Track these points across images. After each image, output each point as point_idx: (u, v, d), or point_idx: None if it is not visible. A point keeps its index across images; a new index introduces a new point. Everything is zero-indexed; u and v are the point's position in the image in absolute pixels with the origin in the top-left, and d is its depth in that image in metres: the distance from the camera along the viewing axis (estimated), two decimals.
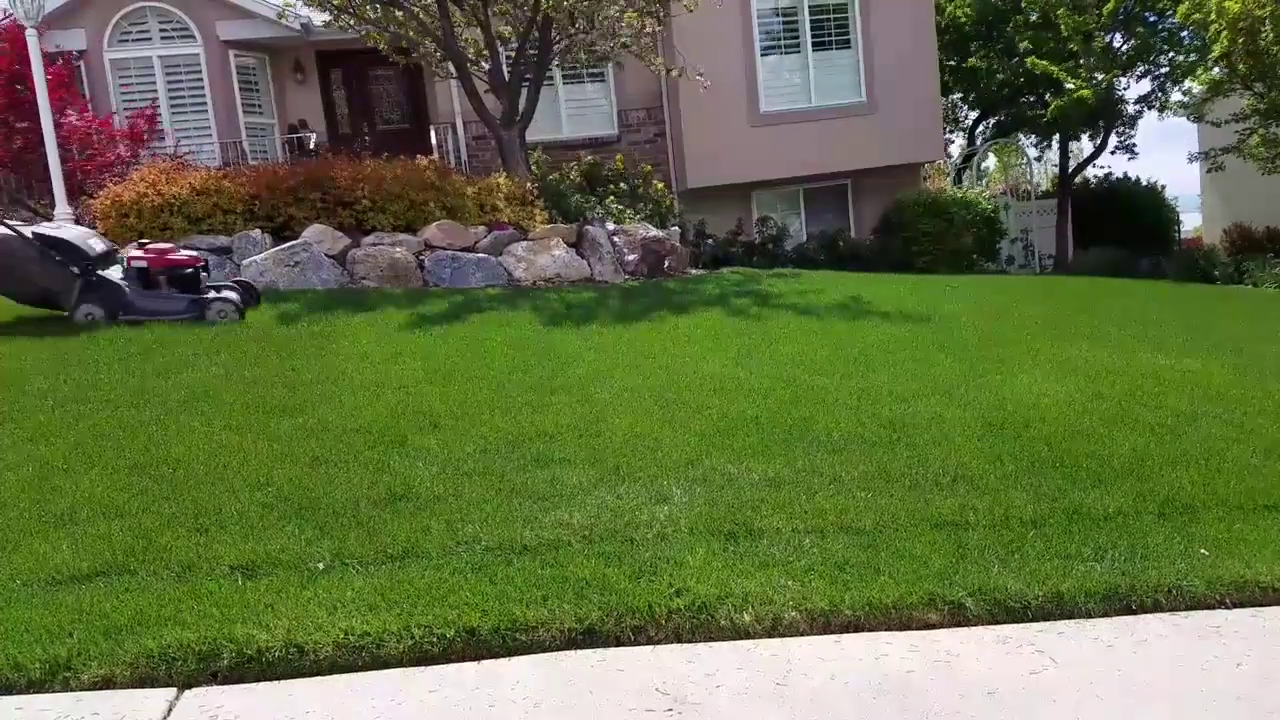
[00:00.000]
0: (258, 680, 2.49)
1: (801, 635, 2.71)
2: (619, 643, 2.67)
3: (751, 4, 14.04)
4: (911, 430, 4.33)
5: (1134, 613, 2.85)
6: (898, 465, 3.89)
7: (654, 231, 10.25)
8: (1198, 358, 6.09)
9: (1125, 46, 18.03)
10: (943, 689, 2.45)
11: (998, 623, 2.79)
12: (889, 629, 2.75)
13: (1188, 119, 17.72)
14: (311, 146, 12.94)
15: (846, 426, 4.37)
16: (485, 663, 2.57)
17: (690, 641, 2.68)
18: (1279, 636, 2.74)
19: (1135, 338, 6.91)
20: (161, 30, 13.39)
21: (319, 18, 11.88)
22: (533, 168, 11.23)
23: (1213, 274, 14.35)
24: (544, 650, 2.63)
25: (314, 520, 3.33)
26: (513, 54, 10.93)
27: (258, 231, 8.71)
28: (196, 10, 13.19)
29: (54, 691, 2.43)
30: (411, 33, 10.97)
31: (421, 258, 8.93)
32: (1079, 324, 7.47)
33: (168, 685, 2.46)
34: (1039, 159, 24.62)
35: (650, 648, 2.65)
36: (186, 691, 2.45)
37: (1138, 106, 19.47)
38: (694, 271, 10.63)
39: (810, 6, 14.36)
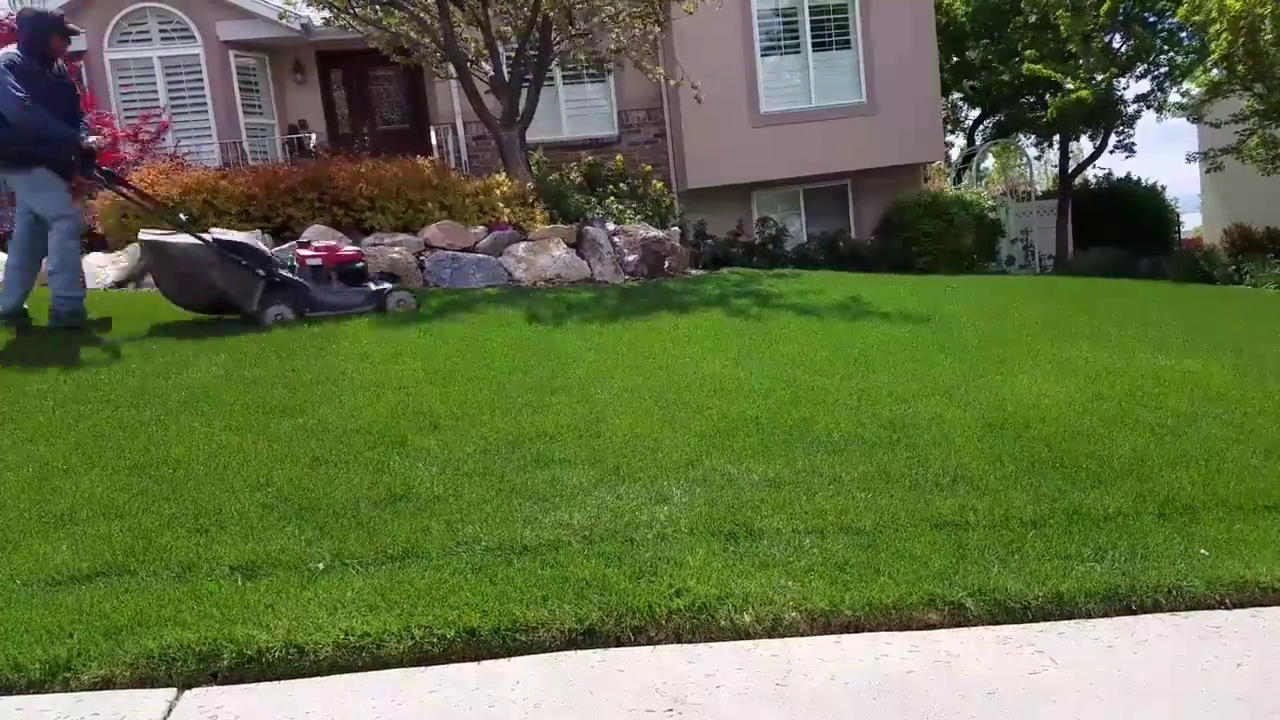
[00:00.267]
0: (258, 680, 2.49)
1: (802, 635, 2.71)
2: (619, 643, 2.67)
3: (751, 4, 14.06)
4: (911, 431, 4.33)
5: (1134, 613, 2.85)
6: (898, 466, 3.89)
7: (654, 232, 10.25)
8: (1198, 358, 6.09)
9: (1124, 47, 18.03)
10: (943, 689, 2.45)
11: (998, 623, 2.79)
12: (889, 629, 2.75)
13: (1187, 119, 17.73)
14: (311, 147, 12.94)
15: (846, 427, 4.37)
16: (485, 663, 2.57)
17: (690, 642, 2.68)
18: (1279, 636, 2.74)
19: (1135, 338, 6.91)
20: (161, 31, 13.41)
21: (319, 18, 11.88)
22: (533, 168, 11.23)
23: (1213, 274, 14.35)
24: (544, 650, 2.62)
25: (314, 520, 3.33)
26: (513, 54, 10.93)
27: (257, 231, 8.70)
28: (196, 11, 13.21)
29: (54, 692, 2.43)
30: (412, 33, 10.97)
31: (421, 258, 8.92)
32: (1079, 324, 7.48)
33: (168, 685, 2.46)
34: (1039, 159, 24.64)
35: (650, 648, 2.65)
36: (186, 692, 2.45)
37: (1136, 106, 19.47)
38: (694, 272, 10.63)
39: (810, 7, 14.37)
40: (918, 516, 3.40)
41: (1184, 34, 17.30)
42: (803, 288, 9.02)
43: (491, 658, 2.59)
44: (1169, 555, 3.12)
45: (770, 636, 2.69)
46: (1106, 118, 18.98)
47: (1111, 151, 20.46)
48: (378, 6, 10.94)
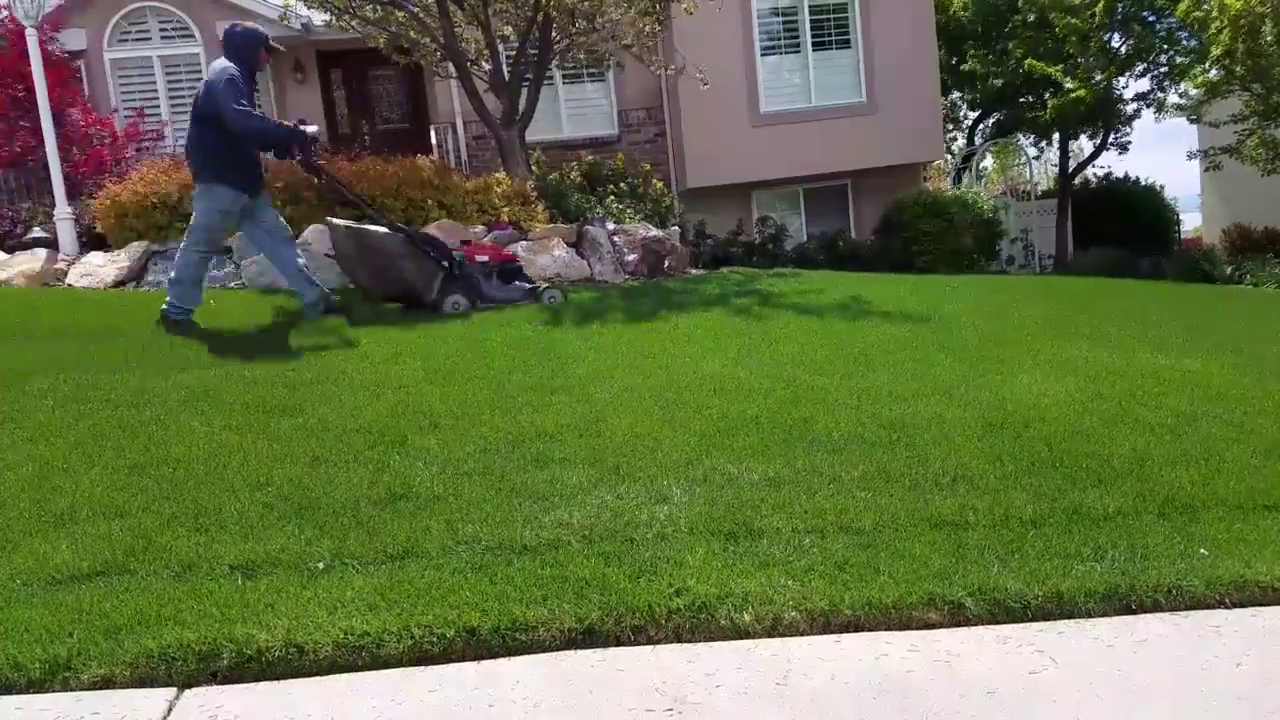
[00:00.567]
0: (258, 680, 2.49)
1: (801, 635, 2.71)
2: (619, 642, 2.67)
3: (752, 4, 14.06)
4: (911, 430, 4.33)
5: (1134, 613, 2.84)
6: (898, 465, 3.89)
7: (654, 231, 10.25)
8: (1198, 358, 6.09)
9: (1123, 46, 18.03)
10: (943, 689, 2.45)
11: (998, 622, 2.79)
12: (889, 629, 2.75)
13: (1186, 120, 17.74)
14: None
15: (846, 426, 4.37)
16: (485, 663, 2.57)
17: (690, 641, 2.68)
18: (1279, 636, 2.74)
19: (1135, 338, 6.91)
20: (161, 30, 13.41)
21: (319, 18, 11.88)
22: (533, 167, 11.23)
23: (1212, 274, 14.35)
24: (544, 650, 2.62)
25: (314, 520, 3.33)
26: (513, 54, 10.93)
27: None
28: (196, 10, 13.20)
29: (54, 691, 2.43)
30: (412, 32, 10.96)
31: None
32: (1079, 324, 7.47)
33: (168, 685, 2.46)
34: (1038, 159, 24.64)
35: (650, 647, 2.65)
36: (186, 691, 2.45)
37: (1136, 105, 19.46)
38: (694, 271, 10.63)
39: (810, 6, 14.37)
40: (917, 516, 3.40)
41: (1183, 33, 17.30)
42: (803, 287, 9.02)
43: (491, 657, 2.59)
44: (1169, 555, 3.12)
45: (770, 636, 2.69)
46: (1106, 117, 18.98)
47: (1106, 149, 20.47)
48: (378, 6, 10.94)
